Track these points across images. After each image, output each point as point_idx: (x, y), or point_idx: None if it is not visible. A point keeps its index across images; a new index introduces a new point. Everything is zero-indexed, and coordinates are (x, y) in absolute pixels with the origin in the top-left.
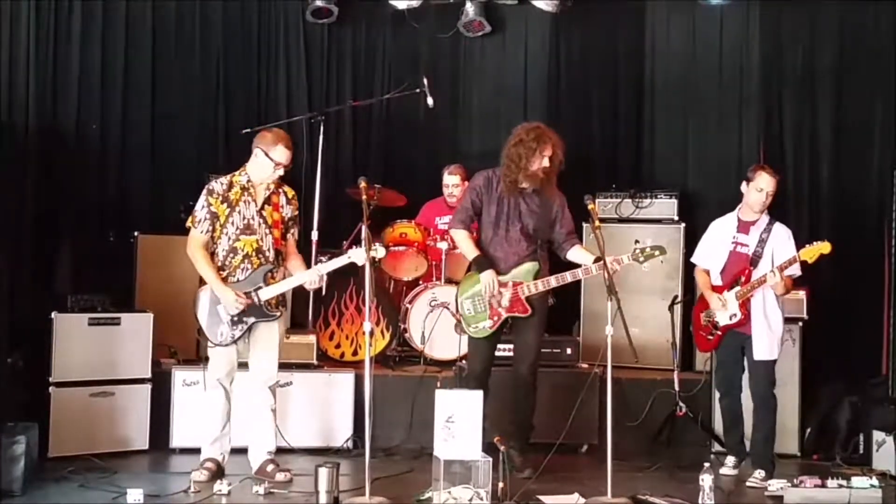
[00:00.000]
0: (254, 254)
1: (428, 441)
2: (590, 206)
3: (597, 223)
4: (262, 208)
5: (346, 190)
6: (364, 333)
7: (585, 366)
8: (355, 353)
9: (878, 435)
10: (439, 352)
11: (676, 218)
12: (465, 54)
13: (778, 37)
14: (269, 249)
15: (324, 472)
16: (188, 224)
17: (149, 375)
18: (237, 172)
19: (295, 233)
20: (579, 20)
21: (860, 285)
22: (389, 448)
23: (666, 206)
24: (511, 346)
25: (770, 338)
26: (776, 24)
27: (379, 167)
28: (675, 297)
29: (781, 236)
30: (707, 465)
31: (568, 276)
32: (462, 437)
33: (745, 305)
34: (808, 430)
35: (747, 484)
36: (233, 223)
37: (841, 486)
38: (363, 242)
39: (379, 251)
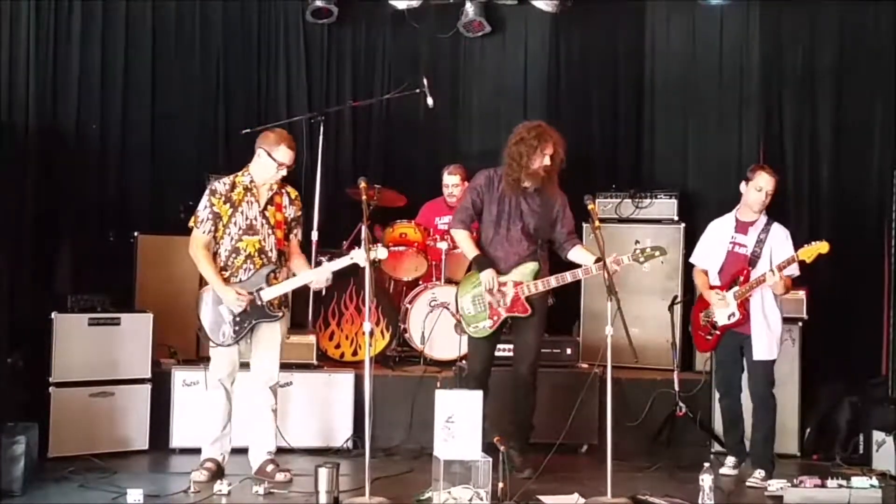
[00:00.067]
0: (256, 254)
1: (428, 441)
2: (590, 207)
3: (597, 223)
4: (265, 209)
5: (346, 190)
6: (364, 333)
7: (585, 366)
8: (355, 353)
9: (877, 435)
10: (439, 352)
11: (676, 218)
12: (465, 54)
13: (778, 37)
14: (271, 250)
15: (324, 473)
16: (190, 224)
17: (149, 375)
18: (240, 173)
19: (298, 233)
20: (579, 20)
21: (860, 285)
22: (389, 448)
23: (666, 206)
24: (511, 346)
25: (769, 338)
26: (776, 24)
27: (379, 167)
28: (675, 297)
29: (779, 236)
30: (707, 465)
31: (568, 277)
32: (462, 438)
33: (743, 305)
34: (808, 430)
35: (747, 484)
36: (235, 223)
37: (841, 486)
38: (363, 242)
39: (380, 252)
